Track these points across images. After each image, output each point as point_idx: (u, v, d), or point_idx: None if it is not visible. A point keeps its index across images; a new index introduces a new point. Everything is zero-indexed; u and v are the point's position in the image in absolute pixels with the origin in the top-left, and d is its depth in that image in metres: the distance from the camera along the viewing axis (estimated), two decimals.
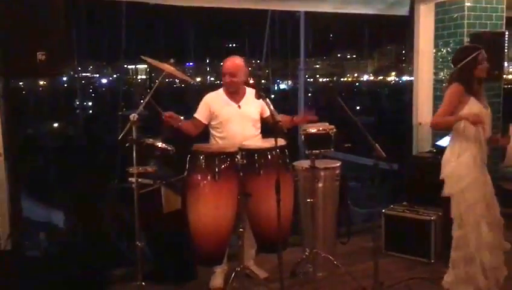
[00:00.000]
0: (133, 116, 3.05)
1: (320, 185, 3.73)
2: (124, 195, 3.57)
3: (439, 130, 3.10)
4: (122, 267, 3.78)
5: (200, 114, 3.50)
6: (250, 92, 3.47)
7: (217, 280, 3.50)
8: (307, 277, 3.61)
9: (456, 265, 3.10)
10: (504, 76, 5.31)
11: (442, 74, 5.09)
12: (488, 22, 4.84)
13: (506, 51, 5.16)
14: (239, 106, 3.48)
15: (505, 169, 4.89)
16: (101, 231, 3.90)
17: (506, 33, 5.08)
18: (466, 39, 4.74)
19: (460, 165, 3.07)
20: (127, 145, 3.07)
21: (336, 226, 3.92)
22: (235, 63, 3.47)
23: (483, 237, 3.02)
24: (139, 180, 3.16)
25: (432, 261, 3.85)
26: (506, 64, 6.24)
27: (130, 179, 3.18)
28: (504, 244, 3.16)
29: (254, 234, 3.39)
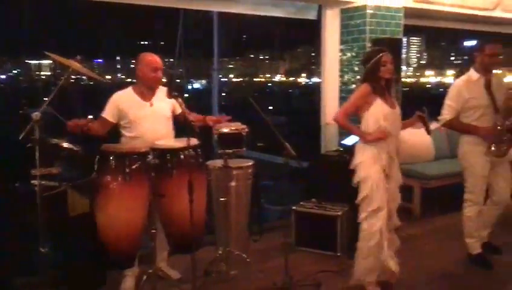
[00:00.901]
0: (36, 114, 2.89)
1: (233, 184, 3.78)
2: (27, 198, 3.37)
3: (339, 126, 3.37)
4: (26, 275, 3.55)
5: (108, 113, 3.39)
6: (161, 90, 3.43)
7: (128, 283, 3.42)
8: (220, 276, 3.64)
9: (360, 253, 3.33)
10: (402, 79, 5.72)
11: (347, 76, 5.38)
12: (388, 28, 5.19)
13: (404, 56, 5.56)
14: (151, 104, 3.42)
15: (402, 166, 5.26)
16: (2, 236, 3.64)
17: (404, 40, 5.48)
18: (368, 44, 5.04)
19: (362, 157, 3.29)
20: (29, 145, 2.90)
21: (248, 224, 4.00)
22: (158, 59, 3.41)
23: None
24: (43, 182, 3.00)
25: (339, 254, 4.05)
26: (404, 68, 6.72)
27: (33, 181, 3.01)
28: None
29: (166, 235, 3.35)
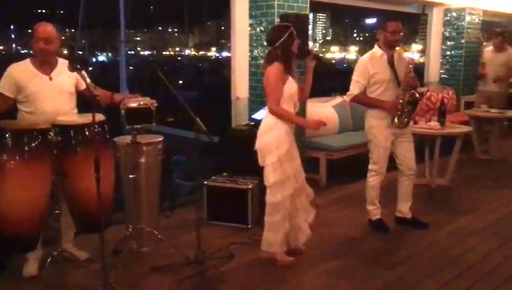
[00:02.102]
0: None
1: (142, 160, 3.69)
2: None
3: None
4: None
5: (5, 88, 3.13)
6: (62, 63, 3.22)
7: (31, 267, 3.24)
8: (131, 254, 3.57)
9: (269, 227, 3.41)
10: None
11: (256, 51, 5.42)
12: (295, 4, 5.28)
13: (311, 32, 5.70)
14: (50, 78, 3.20)
15: (308, 139, 5.48)
16: None
17: (310, 16, 5.60)
18: (277, 20, 5.10)
19: (273, 138, 3.33)
20: None
21: (159, 200, 3.94)
22: (49, 29, 3.16)
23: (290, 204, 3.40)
24: None
25: (250, 226, 4.15)
26: (311, 44, 6.91)
27: None
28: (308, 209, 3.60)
29: (72, 215, 3.20)
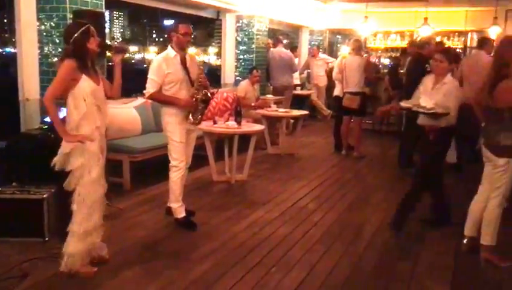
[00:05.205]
0: None
1: None
2: None
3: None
4: None
5: None
6: None
7: None
8: None
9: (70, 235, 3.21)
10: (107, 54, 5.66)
11: (47, 48, 5.00)
12: (89, 0, 5.04)
13: (108, 30, 5.52)
14: None
15: (110, 141, 5.29)
16: None
17: (107, 13, 5.41)
18: (69, 15, 4.79)
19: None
20: None
21: None
22: None
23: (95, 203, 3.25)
24: None
25: (47, 239, 3.81)
26: (109, 42, 6.67)
27: None
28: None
29: None
